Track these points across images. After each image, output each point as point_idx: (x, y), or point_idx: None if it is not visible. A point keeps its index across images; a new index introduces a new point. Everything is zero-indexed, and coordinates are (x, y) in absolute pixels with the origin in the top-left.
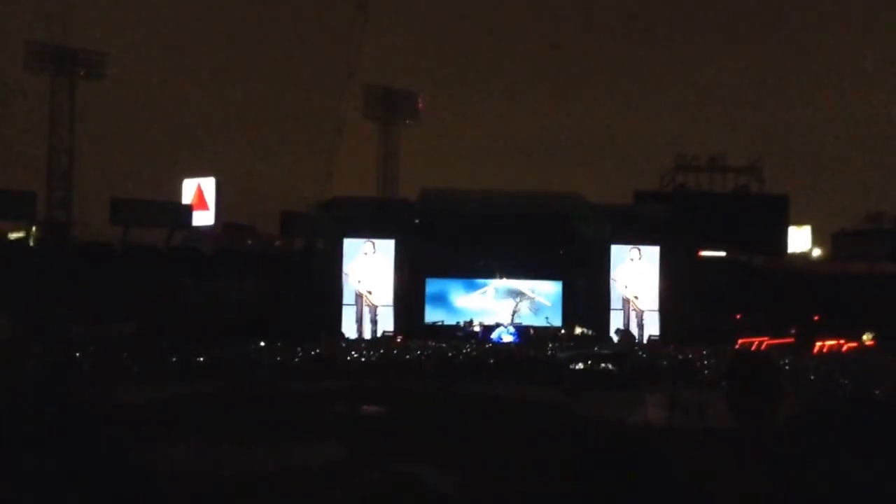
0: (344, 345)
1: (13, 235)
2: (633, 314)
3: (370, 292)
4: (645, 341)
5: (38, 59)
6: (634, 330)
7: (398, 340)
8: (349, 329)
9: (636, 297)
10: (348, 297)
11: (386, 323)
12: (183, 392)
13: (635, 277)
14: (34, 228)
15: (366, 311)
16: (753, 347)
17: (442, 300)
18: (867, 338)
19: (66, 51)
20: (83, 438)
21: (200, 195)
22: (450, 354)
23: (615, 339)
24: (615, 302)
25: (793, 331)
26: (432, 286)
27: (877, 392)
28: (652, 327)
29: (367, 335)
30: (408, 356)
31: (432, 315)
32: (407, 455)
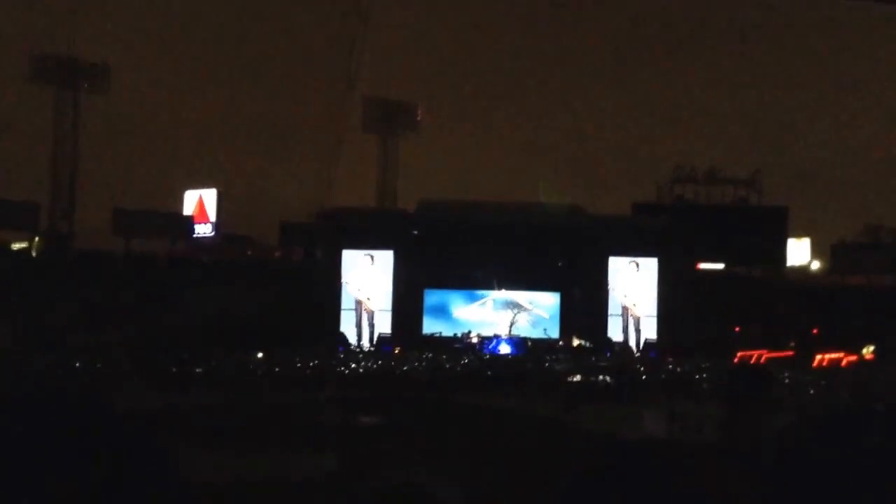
0: (342, 355)
1: (16, 246)
2: (630, 320)
3: (369, 298)
4: (641, 345)
5: (42, 72)
6: (632, 334)
7: (396, 352)
8: (349, 332)
9: (634, 305)
10: (347, 303)
11: (383, 326)
12: (181, 402)
13: (634, 288)
14: (37, 239)
15: (364, 315)
16: (753, 360)
17: (441, 311)
18: (867, 351)
19: (70, 63)
20: (112, 445)
21: (202, 206)
22: (447, 366)
23: (614, 341)
24: (613, 308)
25: (792, 344)
26: (431, 297)
27: (877, 405)
28: (649, 332)
29: (366, 338)
30: (405, 367)
31: (431, 326)
32: (404, 466)
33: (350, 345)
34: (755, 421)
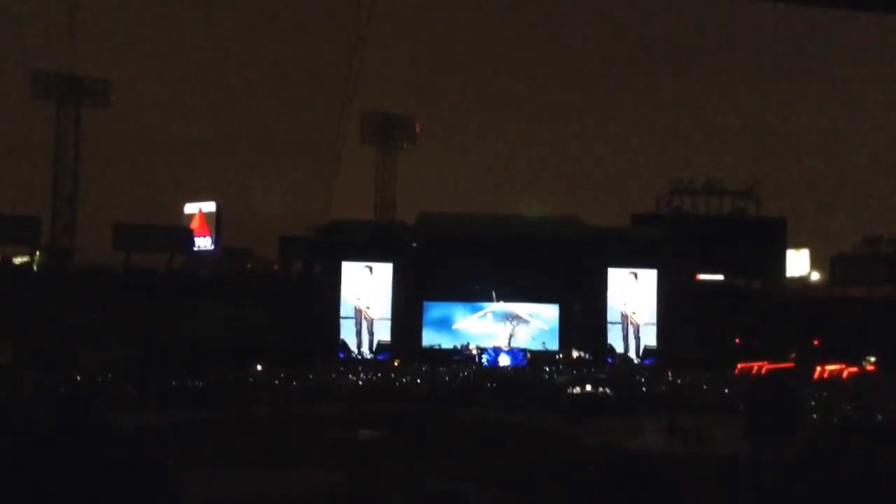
0: (342, 367)
1: (18, 260)
2: (630, 328)
3: (368, 307)
4: (640, 352)
5: (44, 88)
6: (632, 341)
7: (395, 364)
8: (349, 340)
9: (634, 313)
10: (347, 311)
11: (383, 334)
12: (183, 417)
13: (633, 298)
14: (38, 253)
15: (364, 323)
16: (753, 372)
17: (440, 323)
18: (868, 362)
19: (71, 79)
20: (112, 459)
21: (202, 220)
22: (447, 378)
23: (617, 350)
24: (613, 316)
25: (793, 355)
26: (430, 309)
27: (879, 417)
28: (649, 339)
29: (366, 346)
30: (405, 379)
31: (431, 338)
32: (408, 479)
33: (351, 351)
34: (777, 433)
